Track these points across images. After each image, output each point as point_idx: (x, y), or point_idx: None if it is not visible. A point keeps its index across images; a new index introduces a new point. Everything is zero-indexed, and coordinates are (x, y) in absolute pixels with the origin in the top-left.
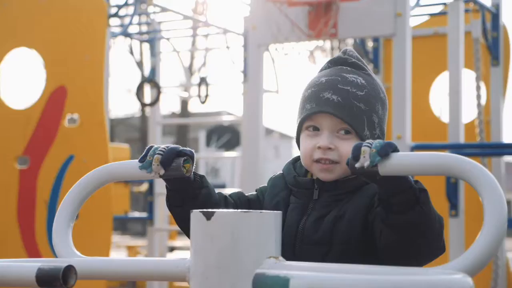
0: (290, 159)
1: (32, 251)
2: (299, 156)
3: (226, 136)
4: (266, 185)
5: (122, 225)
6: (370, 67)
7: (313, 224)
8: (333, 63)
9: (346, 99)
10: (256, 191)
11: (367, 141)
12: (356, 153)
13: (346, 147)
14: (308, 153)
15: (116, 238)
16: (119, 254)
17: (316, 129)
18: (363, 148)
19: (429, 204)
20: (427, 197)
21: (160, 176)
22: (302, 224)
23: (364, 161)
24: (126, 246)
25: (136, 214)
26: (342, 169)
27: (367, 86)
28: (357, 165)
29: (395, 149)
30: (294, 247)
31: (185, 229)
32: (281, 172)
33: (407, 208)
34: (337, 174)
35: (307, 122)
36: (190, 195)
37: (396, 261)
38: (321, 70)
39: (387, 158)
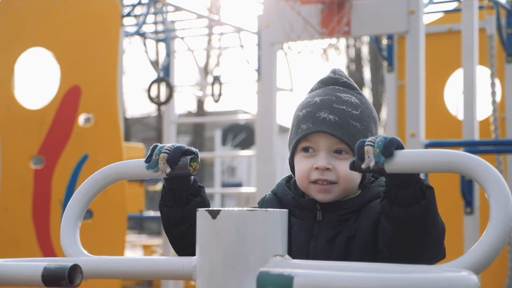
0: (281, 179)
1: (47, 251)
2: (290, 176)
3: (242, 134)
4: (256, 205)
5: (139, 224)
6: (384, 65)
7: (326, 247)
8: (324, 83)
9: (343, 118)
10: None
11: (369, 138)
12: (360, 153)
13: (343, 167)
14: (305, 175)
15: (133, 237)
16: (135, 253)
17: (311, 149)
18: (366, 148)
19: (434, 202)
20: (433, 195)
21: (167, 175)
22: (312, 247)
23: (369, 162)
24: (142, 245)
25: (151, 213)
26: (340, 189)
27: (361, 106)
28: (363, 166)
29: (399, 146)
30: None
31: (167, 229)
32: (271, 193)
33: (413, 202)
34: (336, 195)
35: (303, 142)
36: (183, 198)
37: (393, 258)
38: (312, 90)
39: (391, 157)
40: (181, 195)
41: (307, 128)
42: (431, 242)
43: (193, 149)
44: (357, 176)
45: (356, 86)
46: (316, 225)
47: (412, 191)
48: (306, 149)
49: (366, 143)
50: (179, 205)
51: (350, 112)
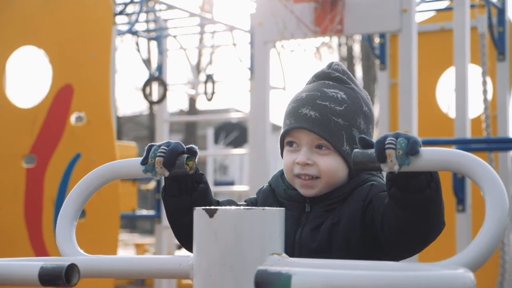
0: (277, 171)
1: (40, 250)
2: None
3: (235, 133)
4: (255, 196)
5: (131, 223)
6: (376, 63)
7: (310, 234)
8: (317, 77)
9: (324, 115)
10: (245, 201)
11: (389, 140)
12: (382, 156)
13: (324, 162)
14: (289, 168)
15: (125, 236)
16: (128, 252)
17: (295, 144)
18: (387, 152)
19: (440, 182)
20: (438, 175)
21: (165, 177)
22: (298, 235)
23: (393, 165)
24: (134, 244)
25: (144, 212)
26: (323, 184)
27: (348, 101)
28: (385, 169)
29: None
30: (293, 256)
31: (174, 222)
32: (268, 185)
33: (424, 187)
34: (319, 189)
35: (287, 137)
36: (188, 186)
37: (403, 243)
38: (307, 84)
39: (416, 156)
40: (186, 184)
41: (290, 124)
42: (440, 218)
43: (189, 146)
44: (340, 169)
45: (351, 80)
46: (304, 215)
47: (423, 177)
48: (290, 144)
49: (387, 147)
50: (186, 193)
51: (333, 108)
